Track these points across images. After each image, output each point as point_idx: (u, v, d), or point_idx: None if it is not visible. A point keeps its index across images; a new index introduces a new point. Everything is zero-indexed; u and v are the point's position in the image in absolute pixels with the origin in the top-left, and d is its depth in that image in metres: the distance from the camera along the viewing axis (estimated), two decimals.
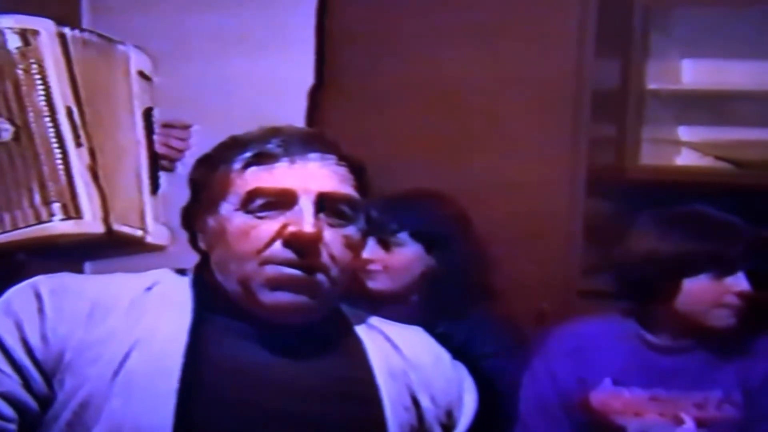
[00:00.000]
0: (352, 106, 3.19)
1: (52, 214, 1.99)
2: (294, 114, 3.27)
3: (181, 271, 1.66)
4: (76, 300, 1.54)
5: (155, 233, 2.17)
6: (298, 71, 3.37)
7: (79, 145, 2.05)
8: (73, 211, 2.01)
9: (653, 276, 2.32)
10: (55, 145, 2.03)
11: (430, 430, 1.64)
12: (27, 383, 1.50)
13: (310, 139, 1.63)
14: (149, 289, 1.60)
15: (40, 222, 1.99)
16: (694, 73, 3.34)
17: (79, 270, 2.73)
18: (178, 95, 2.44)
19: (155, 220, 2.18)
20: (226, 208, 1.58)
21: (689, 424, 2.26)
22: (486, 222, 2.74)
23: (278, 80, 3.51)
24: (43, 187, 2.00)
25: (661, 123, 3.32)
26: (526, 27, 3.11)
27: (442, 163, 3.07)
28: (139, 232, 2.13)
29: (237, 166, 1.59)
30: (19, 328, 1.51)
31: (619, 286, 2.42)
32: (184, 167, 2.29)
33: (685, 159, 3.34)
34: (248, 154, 1.59)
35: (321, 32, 3.31)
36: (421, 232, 2.48)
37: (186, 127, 2.32)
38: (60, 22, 2.11)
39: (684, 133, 3.38)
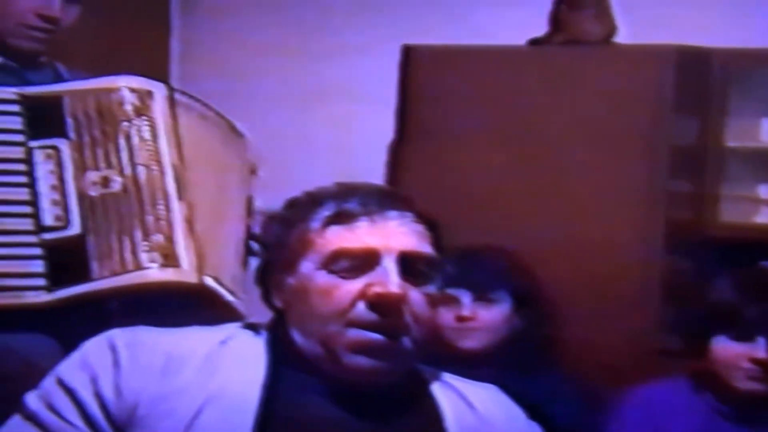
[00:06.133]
0: (430, 163, 3.23)
1: (151, 262, 2.04)
2: (374, 169, 3.34)
3: (253, 326, 1.66)
4: (151, 353, 1.55)
5: (240, 302, 2.19)
6: (379, 126, 3.44)
7: (180, 198, 2.11)
8: (171, 260, 2.06)
9: (693, 332, 2.35)
10: (161, 197, 2.09)
11: None
12: None
13: (388, 197, 1.63)
14: (223, 343, 1.59)
15: (138, 269, 2.03)
16: None
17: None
18: (257, 147, 2.49)
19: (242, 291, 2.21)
20: (307, 267, 1.57)
21: None
22: (562, 277, 2.75)
23: (359, 135, 3.57)
24: (145, 236, 2.05)
25: (740, 180, 3.31)
26: (605, 83, 3.13)
27: (519, 218, 3.08)
28: (229, 295, 2.16)
29: (316, 225, 1.59)
30: (94, 381, 1.52)
31: (683, 342, 2.44)
32: None
33: (765, 217, 3.32)
34: (327, 213, 1.59)
35: (403, 88, 3.36)
36: (518, 290, 2.49)
37: None
38: (169, 86, 2.23)
39: (764, 191, 3.36)
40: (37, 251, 2.02)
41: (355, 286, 1.55)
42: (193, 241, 2.10)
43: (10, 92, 2.11)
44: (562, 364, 2.54)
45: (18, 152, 2.07)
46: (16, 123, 2.09)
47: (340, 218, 1.58)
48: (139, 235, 2.05)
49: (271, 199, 1.74)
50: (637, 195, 3.10)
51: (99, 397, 1.51)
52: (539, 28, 3.31)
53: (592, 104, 3.13)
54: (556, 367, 2.52)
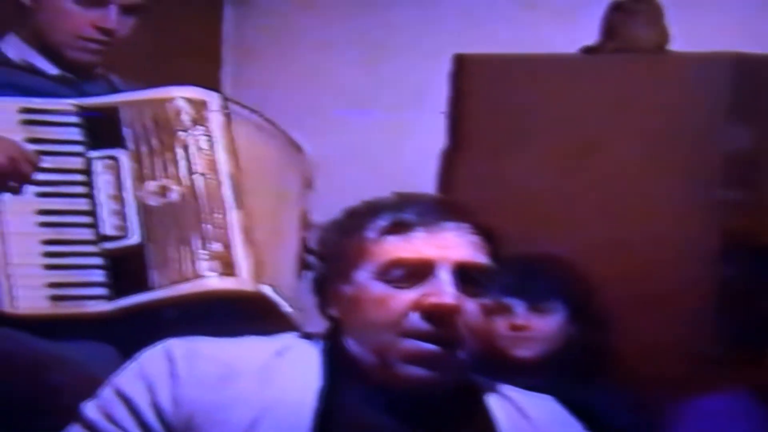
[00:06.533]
0: (482, 170, 3.21)
1: (210, 270, 2.06)
2: (425, 177, 3.34)
3: (308, 336, 1.66)
4: (208, 363, 1.55)
5: (296, 312, 2.20)
6: (431, 132, 3.43)
7: (238, 207, 2.13)
8: (229, 269, 2.07)
9: (751, 341, 2.33)
10: (218, 206, 2.12)
11: None
12: None
13: (444, 207, 1.63)
14: (279, 353, 1.60)
15: (197, 278, 2.05)
16: None
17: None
18: (313, 160, 2.51)
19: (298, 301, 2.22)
20: (363, 276, 1.58)
21: None
22: (615, 286, 2.72)
23: (411, 141, 3.58)
24: (204, 245, 2.08)
25: None
26: (659, 90, 3.09)
27: (571, 226, 3.05)
28: (286, 304, 2.17)
29: (372, 234, 1.59)
30: (151, 391, 1.53)
31: (739, 352, 2.41)
32: None
33: None
34: (383, 223, 1.59)
35: (456, 96, 3.34)
36: (572, 299, 2.47)
37: None
38: (225, 97, 2.25)
39: None
40: (98, 261, 2.05)
41: (409, 296, 1.55)
42: (251, 250, 2.11)
43: (68, 104, 2.13)
44: (617, 373, 2.51)
45: (78, 163, 2.10)
46: (76, 134, 2.12)
47: (397, 228, 1.58)
48: (197, 244, 2.07)
49: (326, 211, 1.74)
50: (691, 203, 3.05)
51: (156, 406, 1.52)
52: (592, 36, 3.30)
53: (645, 112, 3.09)
54: (610, 376, 2.50)
